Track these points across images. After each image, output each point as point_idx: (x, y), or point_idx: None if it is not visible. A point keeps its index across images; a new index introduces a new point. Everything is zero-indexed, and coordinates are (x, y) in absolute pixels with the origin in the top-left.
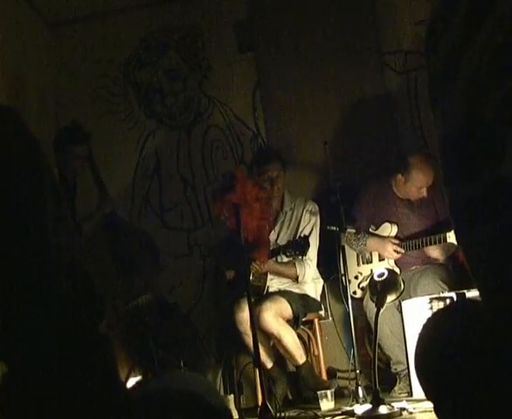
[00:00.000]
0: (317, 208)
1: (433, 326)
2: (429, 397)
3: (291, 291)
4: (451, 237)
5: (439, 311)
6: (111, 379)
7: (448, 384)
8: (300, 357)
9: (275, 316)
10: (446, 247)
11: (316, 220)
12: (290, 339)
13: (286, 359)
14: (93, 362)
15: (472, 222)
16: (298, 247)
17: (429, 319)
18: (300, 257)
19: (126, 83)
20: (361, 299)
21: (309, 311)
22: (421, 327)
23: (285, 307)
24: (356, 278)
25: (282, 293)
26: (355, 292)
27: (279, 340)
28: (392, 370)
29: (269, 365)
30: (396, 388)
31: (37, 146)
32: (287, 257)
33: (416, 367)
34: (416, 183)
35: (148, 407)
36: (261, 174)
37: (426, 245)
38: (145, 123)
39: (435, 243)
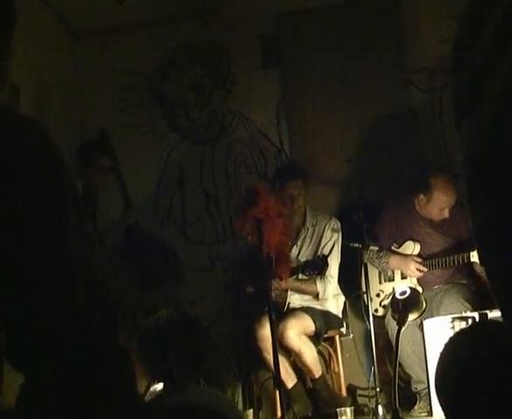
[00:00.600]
0: (339, 224)
1: (454, 347)
2: (448, 417)
3: (313, 308)
4: (474, 257)
5: (460, 331)
6: (128, 391)
7: (466, 404)
8: (317, 371)
9: (298, 333)
10: None
11: (338, 237)
12: (310, 355)
13: (304, 373)
14: (111, 374)
15: (495, 242)
16: (316, 267)
17: (450, 340)
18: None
19: (150, 96)
20: (382, 317)
21: (331, 327)
22: (442, 347)
23: (308, 324)
24: (378, 295)
25: (305, 309)
26: (376, 310)
27: (299, 356)
28: (413, 389)
29: (289, 384)
30: (416, 408)
31: (60, 159)
32: (305, 275)
33: (436, 387)
34: (438, 204)
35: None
36: (283, 190)
37: (449, 265)
38: (169, 137)
39: (458, 262)
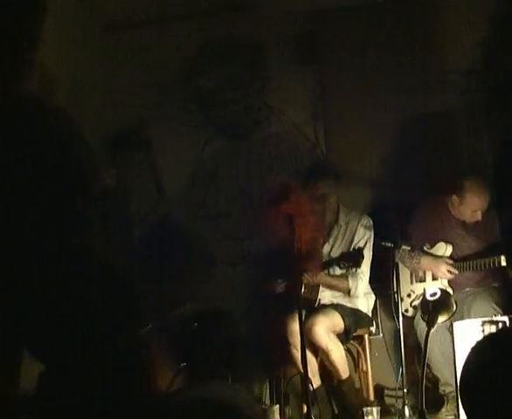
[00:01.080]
0: (371, 222)
1: (481, 351)
2: None
3: (343, 305)
4: (505, 261)
5: (488, 336)
6: (144, 383)
7: (490, 409)
8: (344, 372)
9: (327, 331)
10: None
11: (370, 235)
12: (338, 354)
13: (331, 374)
14: (127, 366)
15: None
16: (352, 258)
17: (477, 344)
18: (353, 270)
19: (188, 89)
20: (412, 318)
21: (360, 326)
22: (469, 351)
23: (337, 322)
24: (409, 296)
25: (335, 307)
26: (407, 310)
27: (326, 354)
28: (440, 391)
29: (315, 384)
30: (443, 410)
31: (87, 148)
32: (340, 268)
33: (460, 390)
34: (470, 206)
35: (185, 415)
36: (315, 188)
37: (481, 268)
38: (205, 130)
39: (489, 265)
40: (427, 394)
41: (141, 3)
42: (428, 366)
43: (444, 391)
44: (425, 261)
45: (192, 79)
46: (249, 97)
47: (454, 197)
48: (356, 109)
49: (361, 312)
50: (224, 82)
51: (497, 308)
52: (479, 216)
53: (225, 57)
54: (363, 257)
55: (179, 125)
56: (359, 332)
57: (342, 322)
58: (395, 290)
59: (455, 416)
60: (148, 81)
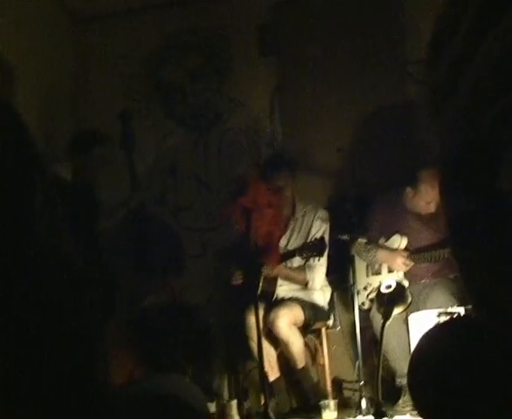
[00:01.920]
0: (327, 215)
1: (427, 343)
2: (419, 412)
3: (302, 299)
4: None
5: (435, 327)
6: (98, 373)
7: (436, 400)
8: (301, 362)
9: (289, 323)
10: None
11: (327, 227)
12: (297, 345)
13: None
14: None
15: (467, 237)
16: (316, 248)
17: (424, 335)
18: (310, 263)
19: (147, 81)
20: (369, 310)
21: (318, 319)
22: (418, 341)
23: (298, 314)
24: (365, 288)
25: (295, 300)
26: (363, 303)
27: (287, 346)
28: (397, 383)
29: (271, 377)
30: (400, 402)
31: (30, 143)
32: (302, 258)
33: (408, 382)
34: (424, 198)
35: (128, 408)
36: (271, 181)
37: (436, 259)
38: (165, 122)
39: (444, 257)
40: (385, 386)
41: None
42: (385, 358)
43: (400, 383)
44: (381, 254)
45: (153, 71)
46: (209, 89)
47: (409, 189)
48: (315, 101)
49: (318, 305)
50: (184, 75)
51: (453, 299)
52: (433, 208)
53: (186, 50)
54: (326, 247)
55: (140, 118)
56: (317, 325)
57: (302, 315)
58: (351, 283)
59: (412, 407)
60: (112, 73)
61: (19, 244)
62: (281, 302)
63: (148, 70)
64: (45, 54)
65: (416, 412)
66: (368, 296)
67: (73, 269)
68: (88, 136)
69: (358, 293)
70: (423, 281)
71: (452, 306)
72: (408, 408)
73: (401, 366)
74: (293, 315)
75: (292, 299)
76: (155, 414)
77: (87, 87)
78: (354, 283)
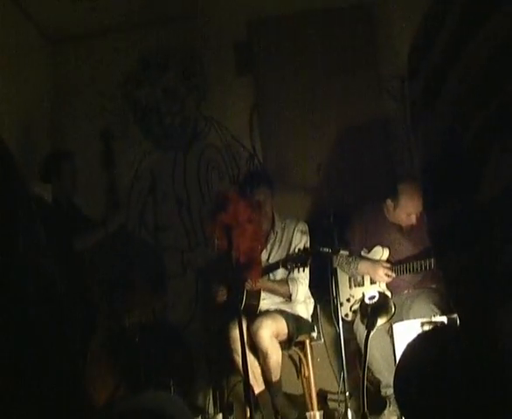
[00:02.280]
0: (307, 227)
1: (411, 351)
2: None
3: (286, 311)
4: None
5: (421, 334)
6: (80, 392)
7: (423, 408)
8: (276, 376)
9: (271, 335)
10: None
11: (307, 239)
12: (275, 358)
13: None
14: (62, 373)
15: (447, 249)
16: (300, 259)
17: (408, 344)
18: (295, 273)
19: (123, 102)
20: (352, 322)
21: (302, 332)
22: (402, 351)
23: (282, 327)
24: (348, 300)
25: (279, 312)
26: (347, 315)
27: (264, 357)
28: (382, 393)
29: (258, 389)
30: (385, 412)
31: (10, 166)
32: (287, 270)
33: (394, 391)
34: (405, 210)
35: None
36: (249, 197)
37: (417, 270)
38: (142, 143)
39: (426, 268)
40: (369, 397)
41: (79, 16)
42: (369, 369)
43: (386, 393)
44: (363, 266)
45: (129, 92)
46: (186, 109)
47: (389, 202)
48: (293, 118)
49: (301, 317)
50: (160, 95)
51: (435, 309)
52: (413, 220)
53: (162, 69)
54: (310, 257)
55: (116, 138)
56: (301, 338)
57: (286, 328)
58: (334, 295)
59: (398, 418)
60: (88, 94)
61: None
62: (266, 313)
63: (124, 91)
64: (22, 76)
65: None
66: (351, 308)
67: (54, 284)
68: (54, 155)
69: (341, 305)
70: (405, 292)
71: (435, 316)
72: (394, 418)
73: (385, 376)
74: (276, 327)
75: (276, 311)
76: None
77: (65, 109)
78: (337, 295)
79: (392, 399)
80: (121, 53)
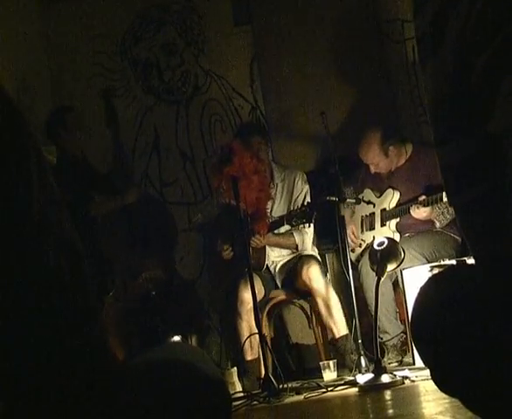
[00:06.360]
0: (305, 177)
1: (428, 292)
2: (425, 362)
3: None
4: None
5: (434, 276)
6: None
7: (442, 349)
8: (344, 327)
9: (321, 273)
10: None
11: (308, 188)
12: (337, 301)
13: (326, 328)
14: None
15: (462, 182)
16: (304, 215)
17: (423, 286)
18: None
19: (123, 59)
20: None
21: None
22: (416, 294)
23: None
24: (360, 246)
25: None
26: (358, 260)
27: (325, 302)
28: (378, 339)
29: (248, 357)
30: (385, 359)
31: (20, 123)
32: (293, 226)
33: (412, 333)
34: (365, 160)
35: (140, 375)
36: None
37: (402, 214)
38: (143, 99)
39: (431, 203)
40: (367, 343)
41: None
42: (369, 314)
43: (382, 339)
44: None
45: (128, 48)
46: (185, 63)
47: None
48: (293, 66)
49: None
50: (159, 49)
51: (420, 257)
52: (383, 169)
53: (160, 23)
54: (314, 212)
55: (117, 96)
56: None
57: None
58: (343, 244)
59: (398, 363)
60: (87, 52)
61: (17, 216)
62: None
63: (122, 47)
64: (19, 38)
65: (414, 366)
66: (362, 253)
67: (74, 242)
68: (56, 112)
69: (353, 251)
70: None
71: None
72: (394, 364)
73: (382, 322)
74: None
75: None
76: (171, 380)
77: (64, 69)
78: (345, 243)
79: (390, 346)
80: (118, 10)
